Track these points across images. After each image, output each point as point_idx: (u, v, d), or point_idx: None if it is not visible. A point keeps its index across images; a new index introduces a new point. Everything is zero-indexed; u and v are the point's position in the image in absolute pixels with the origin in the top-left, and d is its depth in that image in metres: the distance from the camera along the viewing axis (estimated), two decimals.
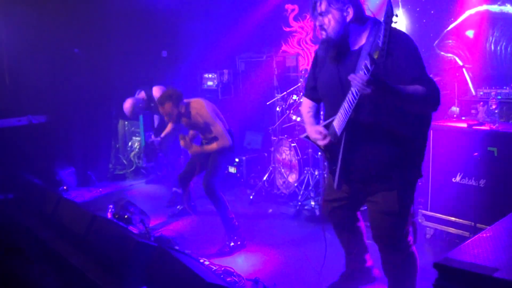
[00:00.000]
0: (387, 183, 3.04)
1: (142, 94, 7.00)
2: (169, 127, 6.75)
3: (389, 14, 2.38)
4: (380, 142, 2.96)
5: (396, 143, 2.94)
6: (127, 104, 6.73)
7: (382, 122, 2.91)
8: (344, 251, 3.71)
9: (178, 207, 6.13)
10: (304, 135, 3.48)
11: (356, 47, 2.98)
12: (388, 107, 2.84)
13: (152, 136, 7.16)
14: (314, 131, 3.17)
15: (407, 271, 3.27)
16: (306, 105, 3.52)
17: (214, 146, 5.08)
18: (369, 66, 2.52)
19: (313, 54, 3.42)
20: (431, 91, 2.78)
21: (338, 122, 2.97)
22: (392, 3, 2.45)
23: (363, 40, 2.95)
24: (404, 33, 2.95)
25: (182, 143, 5.14)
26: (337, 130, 3.00)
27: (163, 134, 6.81)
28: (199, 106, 5.12)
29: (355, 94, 2.70)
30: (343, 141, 2.96)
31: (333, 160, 3.18)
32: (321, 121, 3.41)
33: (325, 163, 3.59)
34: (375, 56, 2.46)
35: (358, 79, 2.55)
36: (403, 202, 3.06)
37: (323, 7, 2.90)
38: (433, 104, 2.85)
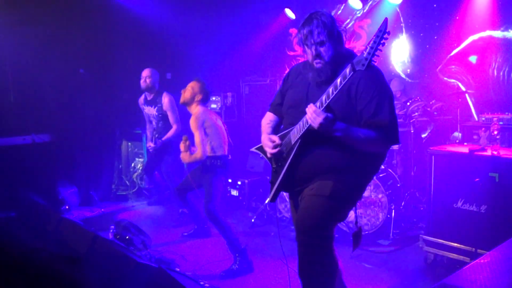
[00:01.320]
0: (324, 178, 3.08)
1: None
2: (172, 130, 6.72)
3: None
4: (330, 150, 3.05)
5: (345, 151, 3.02)
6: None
7: (335, 137, 3.00)
8: None
9: (195, 227, 6.07)
10: (256, 147, 3.60)
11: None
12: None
13: (151, 143, 6.85)
14: (268, 139, 3.36)
15: (322, 275, 3.13)
16: (268, 117, 3.62)
17: (192, 156, 5.11)
18: (330, 93, 2.82)
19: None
20: (383, 139, 2.98)
21: (295, 132, 3.14)
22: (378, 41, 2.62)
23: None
24: (380, 72, 3.06)
25: (181, 144, 5.14)
26: (292, 138, 3.17)
27: (164, 138, 6.68)
28: (199, 112, 5.19)
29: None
30: (295, 148, 3.11)
31: (276, 172, 3.33)
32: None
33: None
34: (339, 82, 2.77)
35: (311, 109, 2.85)
36: (336, 192, 3.05)
37: (322, 36, 2.97)
38: (383, 147, 3.13)
